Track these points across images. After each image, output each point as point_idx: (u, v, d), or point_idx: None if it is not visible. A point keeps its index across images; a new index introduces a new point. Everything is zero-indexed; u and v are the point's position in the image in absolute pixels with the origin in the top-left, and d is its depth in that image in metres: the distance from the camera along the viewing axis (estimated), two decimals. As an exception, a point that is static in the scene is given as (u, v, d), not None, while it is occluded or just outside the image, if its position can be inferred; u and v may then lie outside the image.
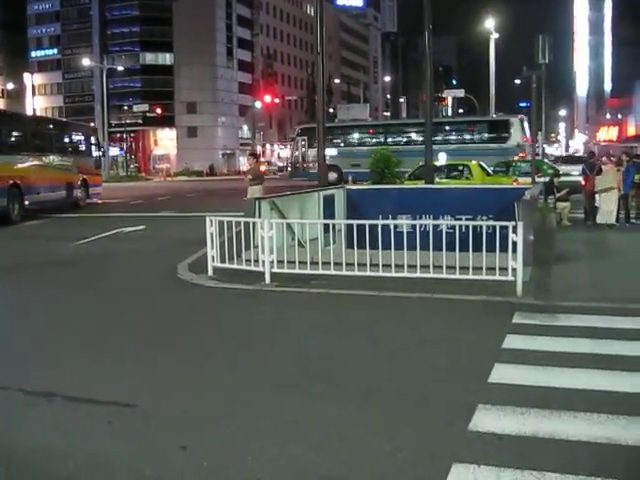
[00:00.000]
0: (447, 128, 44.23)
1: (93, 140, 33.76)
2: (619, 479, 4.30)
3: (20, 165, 24.41)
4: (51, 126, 31.65)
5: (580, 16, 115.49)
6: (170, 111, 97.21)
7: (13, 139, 25.75)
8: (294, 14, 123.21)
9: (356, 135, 47.51)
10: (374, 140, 45.01)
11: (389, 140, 43.22)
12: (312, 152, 42.30)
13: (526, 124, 40.63)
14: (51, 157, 27.59)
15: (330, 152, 38.72)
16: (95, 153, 33.55)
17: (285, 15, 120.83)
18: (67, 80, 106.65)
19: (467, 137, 42.49)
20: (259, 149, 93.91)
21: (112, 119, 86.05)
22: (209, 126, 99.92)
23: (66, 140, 30.83)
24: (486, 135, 41.68)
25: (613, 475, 4.32)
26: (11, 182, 23.15)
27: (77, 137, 32.21)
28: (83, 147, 32.25)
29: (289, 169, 52.16)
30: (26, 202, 24.21)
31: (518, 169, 28.47)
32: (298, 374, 6.62)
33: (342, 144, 45.43)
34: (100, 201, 32.59)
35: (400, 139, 43.73)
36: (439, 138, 39.81)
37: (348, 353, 7.33)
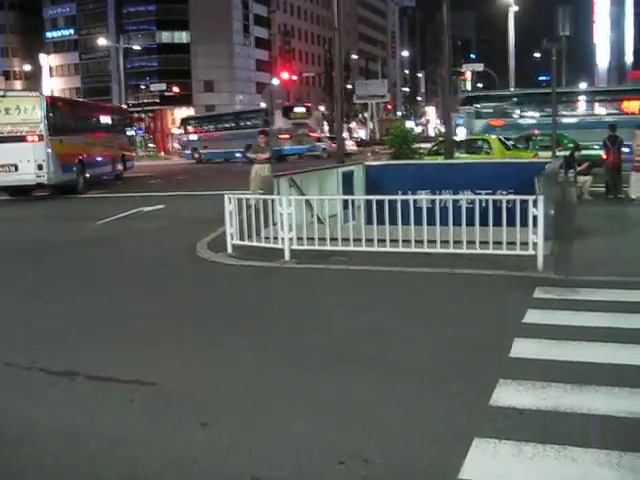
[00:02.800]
0: (229, 118, 58.25)
1: (127, 120, 39.67)
2: (642, 453, 4.26)
3: (82, 144, 28.72)
4: (100, 109, 36.72)
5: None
6: (187, 90, 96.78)
7: (78, 122, 29.96)
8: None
9: (204, 123, 59.72)
10: (213, 127, 57.72)
11: (226, 126, 56.01)
12: (186, 137, 58.95)
13: (299, 109, 52.79)
14: (101, 136, 32.13)
15: (191, 137, 58.32)
16: (129, 132, 39.09)
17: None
18: (84, 61, 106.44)
19: (247, 124, 52.82)
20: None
21: (130, 99, 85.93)
22: (227, 104, 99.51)
23: (110, 121, 35.10)
24: (256, 122, 49.87)
25: (635, 449, 4.28)
26: (77, 159, 27.51)
27: (116, 117, 36.76)
28: (121, 126, 37.05)
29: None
30: (87, 175, 28.37)
31: (539, 143, 28.16)
32: (319, 351, 6.62)
33: (199, 130, 58.52)
34: (119, 181, 33.31)
35: (233, 124, 55.64)
36: (228, 127, 54.88)
37: (369, 330, 7.32)
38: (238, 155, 48.09)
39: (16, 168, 24.67)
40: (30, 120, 24.89)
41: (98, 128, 32.60)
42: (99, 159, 30.86)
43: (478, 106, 35.99)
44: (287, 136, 47.14)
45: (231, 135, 52.64)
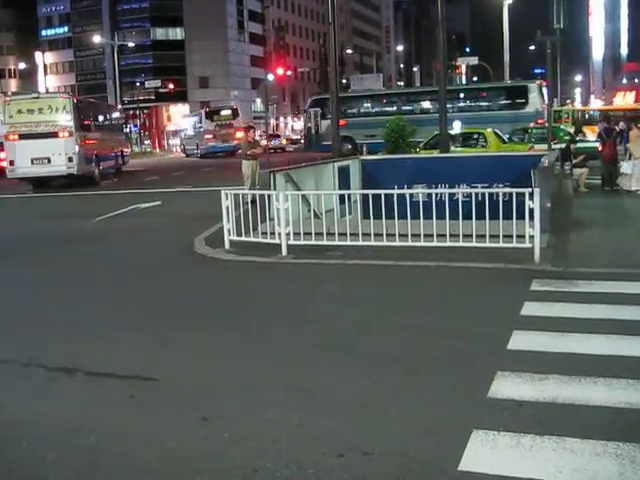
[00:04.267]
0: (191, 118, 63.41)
1: (123, 119, 44.17)
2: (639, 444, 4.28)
3: (97, 139, 32.09)
4: (106, 108, 41.08)
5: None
6: (182, 86, 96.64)
7: (94, 120, 33.58)
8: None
9: (196, 123, 61.26)
10: (190, 125, 61.63)
11: (191, 125, 61.13)
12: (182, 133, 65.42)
13: (224, 111, 56.92)
14: (107, 133, 35.41)
15: (182, 133, 65.76)
16: (125, 129, 44.81)
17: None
18: (79, 58, 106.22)
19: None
20: (272, 122, 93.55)
21: (125, 96, 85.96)
22: (222, 100, 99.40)
23: (111, 119, 38.55)
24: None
25: (633, 440, 4.30)
26: (94, 153, 30.70)
27: (115, 116, 40.37)
28: (118, 124, 40.89)
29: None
30: (101, 167, 31.54)
31: (534, 136, 28.17)
32: (316, 344, 6.64)
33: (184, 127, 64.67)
34: (116, 179, 33.74)
35: (192, 124, 60.10)
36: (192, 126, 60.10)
37: (366, 323, 7.33)
38: (195, 152, 56.40)
39: (49, 160, 28.22)
40: (61, 118, 28.42)
41: (106, 125, 36.15)
42: (107, 153, 34.09)
43: (317, 109, 41.83)
44: (211, 136, 53.92)
45: (193, 133, 59.59)
